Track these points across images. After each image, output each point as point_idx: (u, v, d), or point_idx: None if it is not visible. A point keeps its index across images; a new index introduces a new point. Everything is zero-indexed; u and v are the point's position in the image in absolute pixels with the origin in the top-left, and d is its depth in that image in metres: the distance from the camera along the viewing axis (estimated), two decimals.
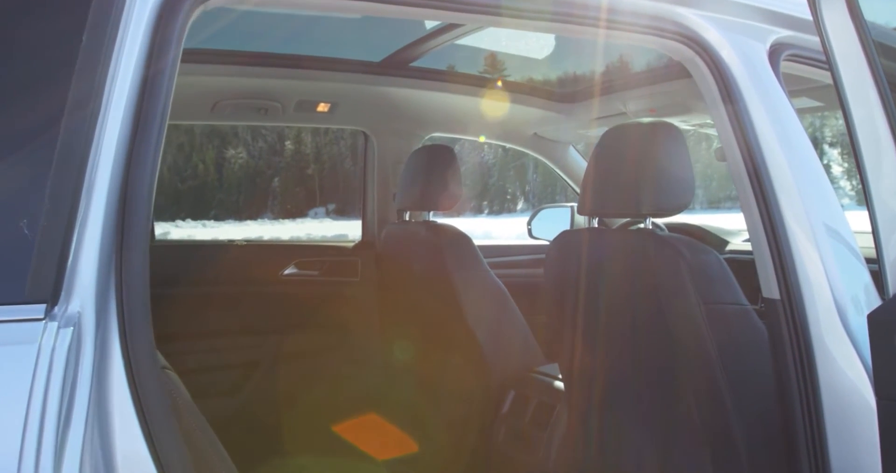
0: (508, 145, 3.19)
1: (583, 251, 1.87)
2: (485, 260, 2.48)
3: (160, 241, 2.85)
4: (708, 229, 2.93)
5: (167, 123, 1.10)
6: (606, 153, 1.78)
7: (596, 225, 1.94)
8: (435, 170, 2.45)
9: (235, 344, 2.74)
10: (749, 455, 1.61)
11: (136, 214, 1.03)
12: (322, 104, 2.67)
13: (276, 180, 10.65)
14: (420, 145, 2.96)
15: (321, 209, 10.82)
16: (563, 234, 1.96)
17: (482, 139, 3.15)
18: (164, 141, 1.10)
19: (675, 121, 2.66)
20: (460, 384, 2.54)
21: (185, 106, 2.53)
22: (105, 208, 1.00)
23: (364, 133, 2.96)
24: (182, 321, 2.65)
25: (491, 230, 8.51)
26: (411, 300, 2.70)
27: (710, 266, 1.63)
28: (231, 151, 10.12)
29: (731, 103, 1.55)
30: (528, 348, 2.47)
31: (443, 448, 2.56)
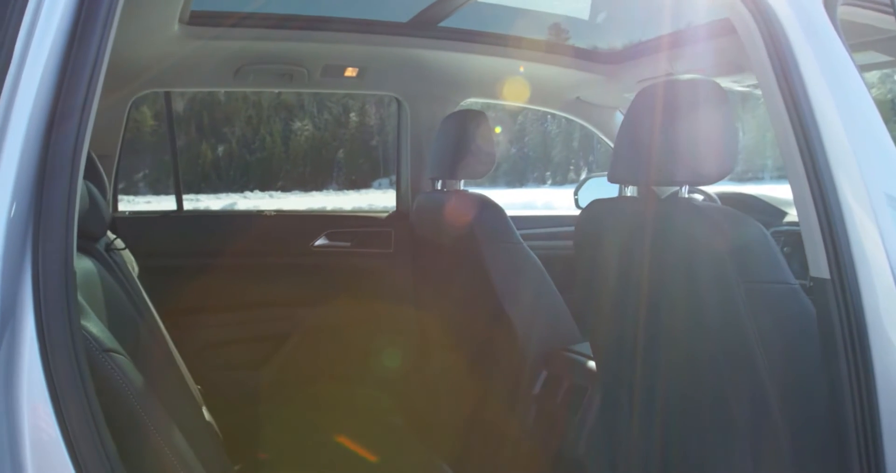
0: (549, 111, 2.96)
1: (611, 222, 1.67)
2: (518, 232, 2.28)
3: (188, 211, 2.75)
4: (765, 198, 2.65)
5: (102, 75, 0.95)
6: (639, 114, 1.57)
7: (633, 193, 1.73)
8: (466, 136, 2.26)
9: (265, 316, 2.64)
10: (793, 451, 1.41)
11: (56, 179, 0.89)
12: (350, 69, 2.50)
13: (340, 151, 10.61)
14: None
15: (385, 180, 10.74)
16: (593, 203, 1.76)
17: (520, 105, 2.93)
18: (97, 99, 0.95)
19: (727, 81, 2.40)
20: (491, 362, 2.37)
21: (205, 72, 2.41)
22: (17, 173, 0.86)
23: (397, 99, 2.78)
24: (211, 292, 2.56)
25: (552, 201, 8.27)
26: (442, 272, 2.53)
27: (752, 240, 1.41)
28: (297, 124, 10.11)
29: (777, 57, 1.33)
30: (563, 325, 2.27)
31: (473, 427, 2.41)
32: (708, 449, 1.56)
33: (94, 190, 1.61)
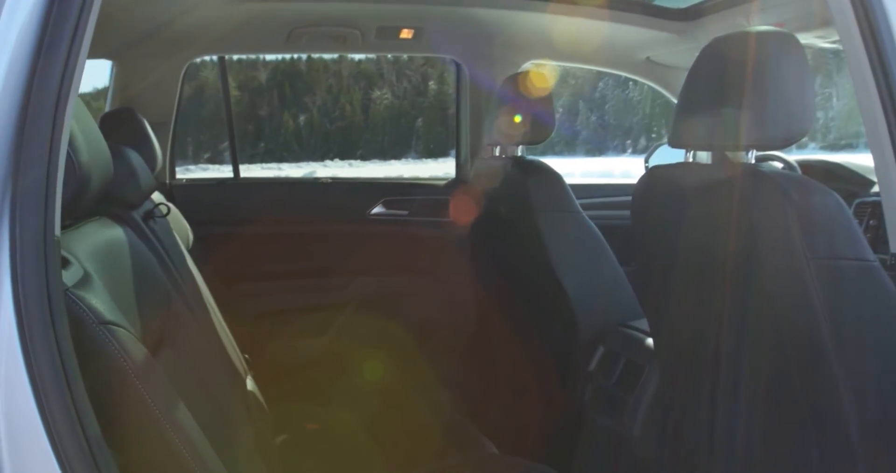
0: (617, 73, 2.76)
1: (669, 191, 1.52)
2: (577, 200, 2.14)
3: (245, 179, 2.72)
4: (852, 167, 2.42)
5: (86, 37, 0.87)
6: (702, 72, 1.42)
7: (699, 159, 1.57)
8: (524, 99, 2.13)
9: (320, 285, 2.59)
10: (862, 443, 1.26)
11: (36, 128, 0.83)
12: (405, 30, 2.39)
13: (419, 119, 10.52)
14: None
15: None
16: (652, 171, 1.61)
17: (585, 67, 2.74)
18: (81, 62, 0.87)
19: (811, 37, 2.17)
20: (547, 337, 2.25)
21: (257, 36, 2.35)
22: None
23: (455, 62, 2.66)
24: (266, 260, 2.54)
25: (631, 170, 8.01)
26: (498, 242, 2.42)
27: (824, 211, 1.25)
28: (377, 92, 10.06)
29: (860, 5, 1.15)
30: (621, 299, 2.13)
31: (525, 403, 2.31)
32: (769, 439, 1.42)
33: (134, 159, 1.57)
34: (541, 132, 2.15)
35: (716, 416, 1.54)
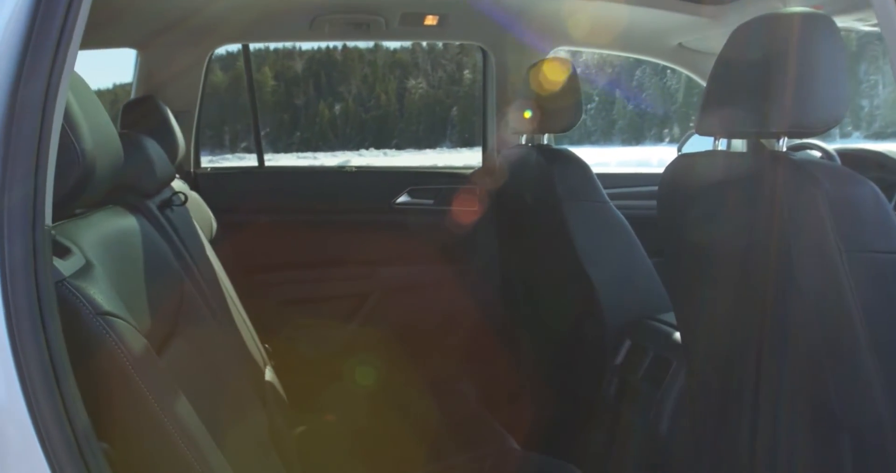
0: (648, 59, 2.68)
1: (695, 180, 1.46)
2: (605, 190, 2.08)
3: (268, 167, 2.70)
4: (892, 155, 2.30)
5: (77, 28, 0.84)
6: (732, 56, 1.35)
7: (732, 147, 1.51)
8: (549, 87, 2.07)
9: (344, 274, 2.57)
10: None
11: (24, 120, 0.80)
12: (430, 17, 2.33)
13: (454, 108, 10.44)
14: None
15: None
16: (679, 159, 1.55)
17: (615, 53, 2.66)
18: (73, 51, 0.84)
19: (851, 20, 2.07)
20: (573, 328, 2.20)
21: (281, 24, 2.31)
22: None
23: (481, 49, 2.60)
24: (290, 249, 2.52)
25: (667, 159, 7.81)
26: (525, 232, 2.37)
27: (859, 201, 1.18)
28: (412, 82, 10.02)
29: None
30: (649, 292, 2.06)
31: (554, 395, 2.25)
32: (801, 440, 1.35)
33: (150, 148, 1.55)
34: (567, 120, 2.09)
35: (757, 423, 1.47)
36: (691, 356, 1.67)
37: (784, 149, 1.31)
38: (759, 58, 1.26)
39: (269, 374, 1.83)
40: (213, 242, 2.14)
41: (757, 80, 1.25)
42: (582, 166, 2.06)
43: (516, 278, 2.53)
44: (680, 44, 2.53)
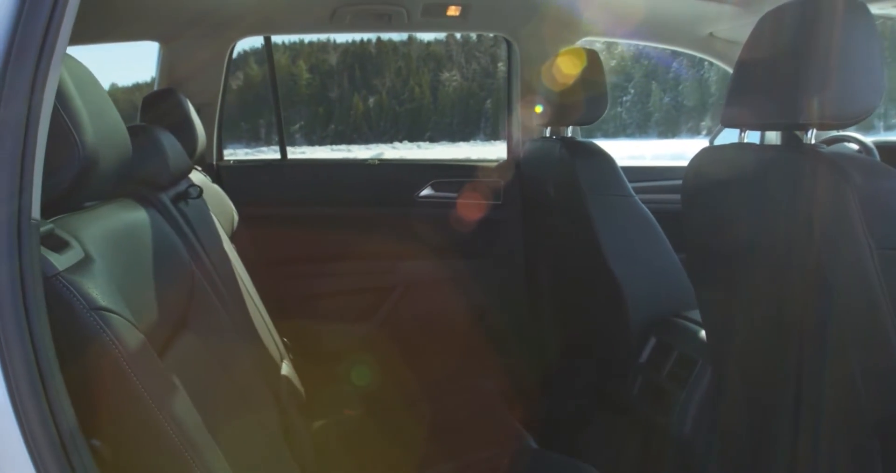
0: (677, 49, 2.59)
1: (719, 174, 1.40)
2: (630, 184, 2.02)
3: (291, 160, 2.68)
4: None
5: (65, 23, 0.82)
6: (759, 43, 1.28)
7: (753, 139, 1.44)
8: (572, 78, 2.01)
9: (367, 268, 2.54)
10: None
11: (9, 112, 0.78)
12: (452, 7, 2.28)
13: (488, 101, 10.37)
14: None
15: None
16: (703, 152, 1.49)
17: (644, 43, 2.58)
18: (60, 47, 0.82)
19: (889, 7, 1.98)
20: (598, 325, 2.14)
21: (302, 15, 2.28)
22: None
23: (506, 40, 2.54)
24: (312, 242, 2.50)
25: None
26: (549, 226, 2.31)
27: (891, 197, 1.11)
28: (446, 74, 9.98)
29: None
30: (675, 288, 1.99)
31: (576, 393, 2.20)
32: (827, 444, 1.29)
33: (164, 140, 1.53)
34: (592, 112, 2.03)
35: (770, 421, 1.41)
36: (717, 356, 1.60)
37: (813, 141, 1.25)
38: (788, 45, 1.20)
39: (285, 368, 1.81)
40: (234, 234, 2.13)
41: (785, 68, 1.19)
42: (606, 159, 2.00)
43: (541, 272, 2.48)
44: (711, 33, 2.45)
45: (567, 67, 2.05)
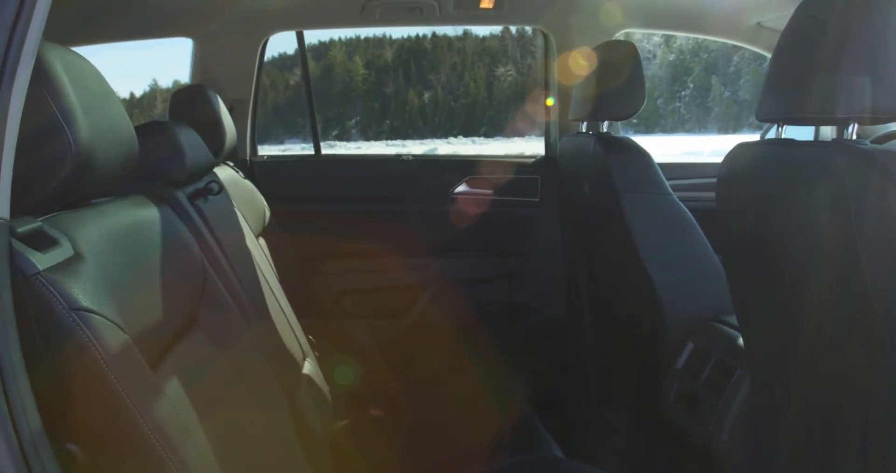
0: (722, 41, 2.45)
1: (754, 171, 1.30)
2: (668, 181, 1.92)
3: (325, 156, 2.65)
4: None
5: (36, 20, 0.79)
6: (797, 29, 1.19)
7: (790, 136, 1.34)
8: (608, 72, 1.92)
9: (400, 265, 2.49)
10: None
11: None
12: None
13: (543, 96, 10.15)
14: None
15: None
16: (738, 148, 1.39)
17: (687, 35, 2.45)
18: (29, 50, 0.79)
19: None
20: (635, 328, 2.05)
21: (332, 9, 2.24)
22: None
23: (542, 32, 2.46)
24: (345, 238, 2.47)
25: None
26: (585, 225, 2.23)
27: None
28: (501, 69, 9.90)
29: None
30: (715, 291, 1.88)
31: (608, 399, 2.11)
32: (878, 465, 1.18)
33: (182, 136, 1.51)
34: (628, 107, 1.94)
35: (812, 436, 1.30)
36: (756, 365, 1.50)
37: (854, 136, 1.15)
38: (828, 32, 1.10)
39: (308, 367, 1.78)
40: (266, 230, 2.11)
41: (824, 57, 1.09)
42: (642, 155, 1.91)
43: (580, 273, 2.40)
44: (759, 23, 2.30)
45: (602, 60, 1.96)
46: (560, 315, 2.50)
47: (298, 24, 2.36)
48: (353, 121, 9.78)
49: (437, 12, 2.22)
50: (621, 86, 1.91)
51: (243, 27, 2.29)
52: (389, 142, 8.55)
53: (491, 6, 2.21)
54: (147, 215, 1.23)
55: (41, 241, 0.91)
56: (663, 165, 1.95)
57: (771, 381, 1.43)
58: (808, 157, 1.17)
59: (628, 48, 1.92)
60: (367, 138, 9.03)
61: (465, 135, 9.87)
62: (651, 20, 2.37)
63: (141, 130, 1.46)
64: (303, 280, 2.32)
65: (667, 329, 1.90)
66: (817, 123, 1.20)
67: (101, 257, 0.98)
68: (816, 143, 1.18)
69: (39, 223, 0.91)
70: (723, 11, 2.27)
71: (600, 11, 2.31)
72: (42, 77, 0.93)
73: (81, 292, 0.90)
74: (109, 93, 1.09)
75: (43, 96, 0.92)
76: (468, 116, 10.16)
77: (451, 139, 9.70)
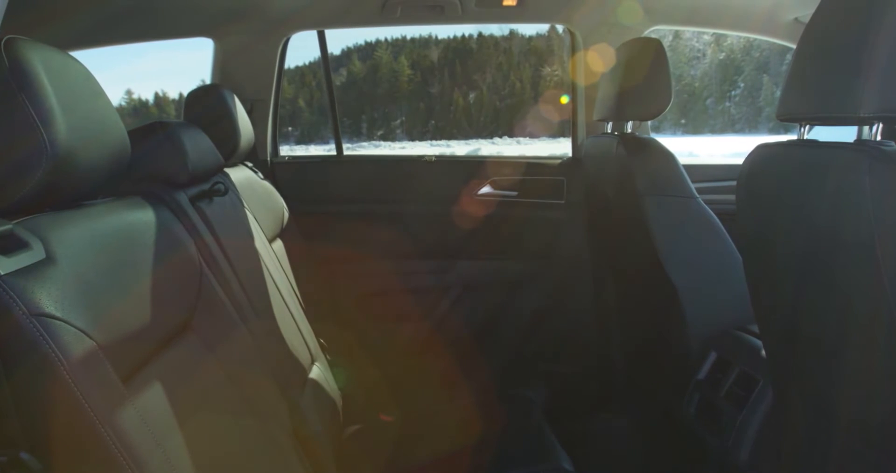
0: (757, 37, 2.33)
1: (775, 173, 1.22)
2: (694, 184, 1.83)
3: (346, 156, 2.60)
4: None
5: None
6: (822, 23, 1.10)
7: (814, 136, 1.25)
8: (634, 71, 1.84)
9: (423, 268, 2.44)
10: None
11: None
12: None
13: None
14: None
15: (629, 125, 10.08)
16: (759, 149, 1.30)
17: (721, 32, 2.32)
18: None
19: None
20: (658, 336, 1.96)
21: (352, 8, 2.19)
22: None
23: (569, 30, 2.37)
24: (367, 240, 2.42)
25: None
26: (610, 228, 2.14)
27: None
28: (547, 69, 9.77)
29: None
30: (740, 298, 1.78)
31: (626, 408, 2.03)
32: None
33: (186, 137, 1.48)
34: (653, 107, 1.85)
35: (835, 452, 1.21)
36: (773, 372, 1.41)
37: (878, 137, 1.05)
38: (854, 25, 1.01)
39: (315, 371, 1.74)
40: (285, 231, 2.08)
41: (848, 53, 1.00)
42: (666, 157, 1.82)
43: (605, 277, 2.31)
44: (796, 19, 2.18)
45: (626, 58, 1.87)
46: (587, 321, 2.41)
47: (318, 23, 2.32)
48: (398, 121, 9.79)
49: (459, 10, 2.16)
50: (646, 85, 1.82)
51: (263, 27, 2.26)
52: (434, 142, 8.52)
53: (514, 4, 2.13)
54: (140, 216, 1.20)
55: (9, 244, 0.88)
56: (689, 167, 1.86)
57: (792, 394, 1.34)
58: (828, 157, 1.08)
59: (654, 46, 1.83)
60: (413, 138, 9.01)
61: (510, 135, 9.78)
62: (683, 17, 2.26)
63: (141, 130, 1.44)
64: (322, 282, 2.28)
65: (689, 338, 1.81)
66: (839, 122, 1.10)
67: (79, 260, 0.95)
68: (838, 144, 1.09)
69: (10, 226, 0.88)
70: (759, 7, 2.14)
71: (628, 8, 2.21)
72: (19, 76, 0.90)
73: (46, 296, 0.87)
74: (97, 93, 1.06)
75: (18, 96, 0.89)
76: (514, 117, 10.06)
77: (496, 139, 9.62)
